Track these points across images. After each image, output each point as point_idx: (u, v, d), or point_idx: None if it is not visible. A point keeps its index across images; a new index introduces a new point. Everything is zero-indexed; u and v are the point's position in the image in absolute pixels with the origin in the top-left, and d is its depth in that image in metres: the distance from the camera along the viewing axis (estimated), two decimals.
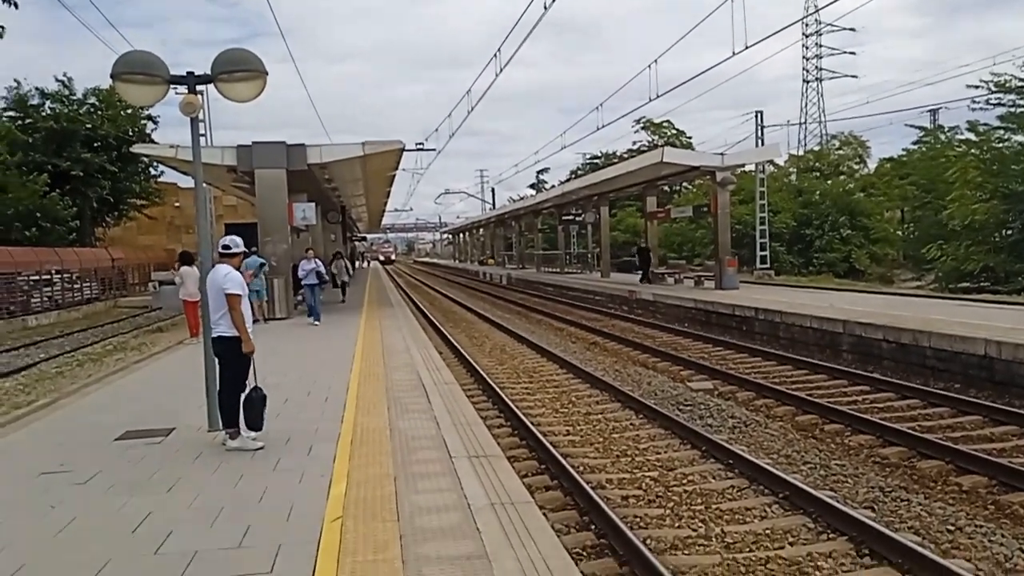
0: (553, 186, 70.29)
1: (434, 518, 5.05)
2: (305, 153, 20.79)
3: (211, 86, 7.70)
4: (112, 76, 7.35)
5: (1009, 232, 32.47)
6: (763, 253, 42.80)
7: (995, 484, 7.64)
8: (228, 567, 4.37)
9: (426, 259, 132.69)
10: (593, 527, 6.96)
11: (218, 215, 52.32)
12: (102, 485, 6.05)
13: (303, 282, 19.59)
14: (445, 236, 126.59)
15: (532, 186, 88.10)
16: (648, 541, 6.43)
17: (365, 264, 74.69)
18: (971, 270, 32.56)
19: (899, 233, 49.65)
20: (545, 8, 17.97)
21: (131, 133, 46.77)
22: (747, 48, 25.40)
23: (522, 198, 78.14)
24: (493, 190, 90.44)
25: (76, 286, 38.98)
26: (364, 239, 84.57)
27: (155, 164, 49.61)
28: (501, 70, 23.46)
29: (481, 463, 6.33)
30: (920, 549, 5.89)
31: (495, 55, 23.58)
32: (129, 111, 47.41)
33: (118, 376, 11.96)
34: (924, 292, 29.58)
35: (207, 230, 8.14)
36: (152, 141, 45.45)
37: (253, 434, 7.18)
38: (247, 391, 7.16)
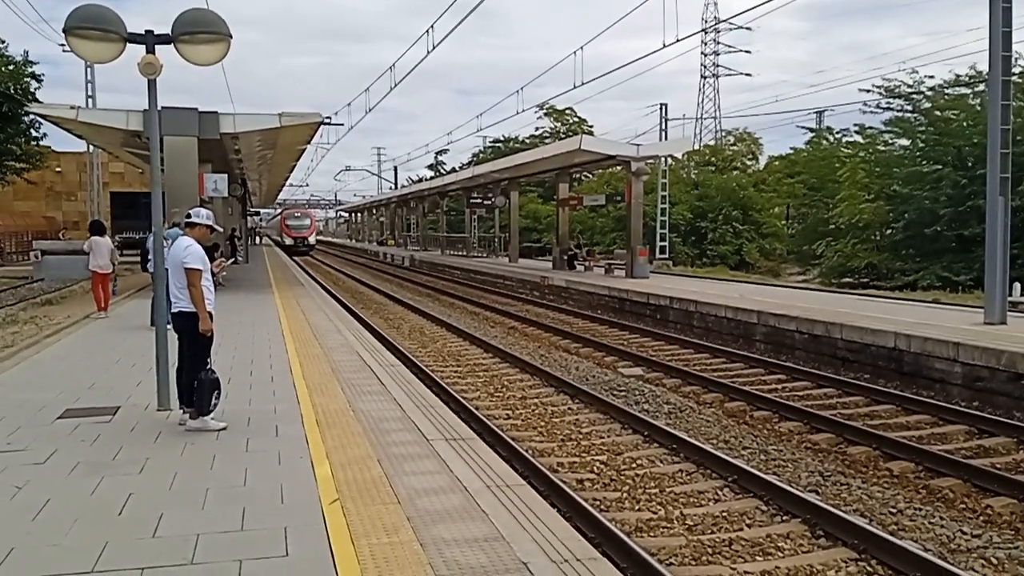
0: (453, 169, 69.94)
1: (435, 500, 5.02)
2: (218, 121, 19.99)
3: (169, 47, 7.33)
4: (64, 31, 6.89)
5: (891, 231, 34.47)
6: (662, 244, 44.01)
7: (922, 469, 8.17)
8: (239, 550, 4.22)
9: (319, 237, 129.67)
10: (556, 509, 7.05)
11: (104, 182, 49.55)
12: (64, 466, 5.71)
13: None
14: (340, 214, 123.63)
15: (430, 167, 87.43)
16: (613, 523, 6.58)
17: (258, 242, 72.19)
18: (855, 266, 34.47)
19: (787, 228, 51.94)
20: None
21: (13, 90, 43.50)
22: (678, 41, 26.02)
23: (421, 179, 77.51)
24: (396, 169, 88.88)
25: None
26: (257, 213, 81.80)
27: (37, 125, 46.42)
28: (435, 47, 23.20)
29: (461, 446, 6.32)
30: (873, 529, 6.29)
31: (428, 31, 23.32)
32: (11, 67, 44.16)
33: (31, 351, 11.24)
34: (815, 286, 31.03)
35: (159, 199, 7.74)
36: (36, 100, 42.42)
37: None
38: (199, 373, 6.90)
